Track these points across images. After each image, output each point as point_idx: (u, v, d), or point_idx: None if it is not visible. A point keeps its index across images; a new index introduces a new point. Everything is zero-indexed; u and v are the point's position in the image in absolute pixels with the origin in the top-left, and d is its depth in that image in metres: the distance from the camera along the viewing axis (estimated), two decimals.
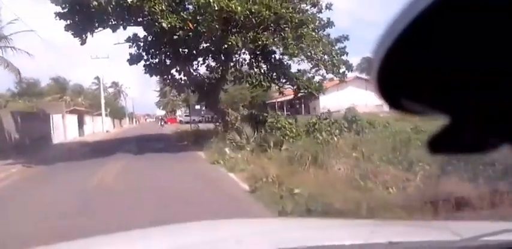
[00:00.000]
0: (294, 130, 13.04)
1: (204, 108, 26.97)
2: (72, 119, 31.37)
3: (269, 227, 1.90)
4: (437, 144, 0.49)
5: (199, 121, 56.95)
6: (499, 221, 2.60)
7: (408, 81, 0.43)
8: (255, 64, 14.63)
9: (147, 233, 1.80)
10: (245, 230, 1.70)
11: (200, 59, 18.52)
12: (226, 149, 11.70)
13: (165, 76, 20.08)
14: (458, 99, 0.43)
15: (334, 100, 35.23)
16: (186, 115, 59.17)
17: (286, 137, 12.65)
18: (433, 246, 1.28)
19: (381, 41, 0.40)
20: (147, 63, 19.14)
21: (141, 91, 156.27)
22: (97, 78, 75.37)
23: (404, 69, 0.42)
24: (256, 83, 13.91)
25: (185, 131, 25.96)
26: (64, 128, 27.77)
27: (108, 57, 38.23)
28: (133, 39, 18.59)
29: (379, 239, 1.29)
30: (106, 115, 42.17)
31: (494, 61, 0.39)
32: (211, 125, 25.27)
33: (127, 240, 1.66)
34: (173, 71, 19.70)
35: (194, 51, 17.77)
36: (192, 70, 18.34)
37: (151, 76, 19.84)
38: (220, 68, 17.49)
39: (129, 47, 18.84)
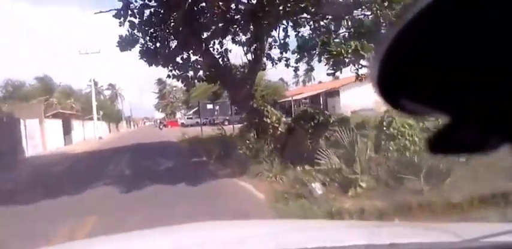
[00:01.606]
0: (417, 139, 6.71)
1: (217, 108, 20.49)
2: (56, 124, 24.86)
3: (269, 228, 1.75)
4: (438, 144, 0.47)
5: (204, 124, 50.77)
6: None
7: (408, 80, 0.42)
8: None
9: (147, 233, 1.67)
10: (245, 231, 1.60)
11: (214, 41, 12.32)
12: (316, 186, 5.29)
13: (170, 65, 13.85)
14: (458, 99, 0.42)
15: (355, 98, 29.21)
16: (188, 118, 52.87)
17: (407, 153, 6.38)
18: (434, 247, 1.22)
19: (383, 41, 0.39)
20: (144, 48, 13.02)
21: (139, 94, 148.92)
22: (93, 80, 69.66)
23: (405, 69, 0.41)
24: (346, 54, 7.31)
25: (195, 137, 19.52)
26: (42, 137, 21.30)
27: (99, 52, 31.67)
28: (125, 12, 12.32)
29: (379, 240, 1.24)
30: (99, 119, 35.57)
31: (494, 61, 0.38)
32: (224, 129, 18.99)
33: (127, 241, 1.57)
34: (179, 59, 13.71)
35: (218, 24, 11.52)
36: (213, 51, 12.04)
37: (150, 65, 13.63)
38: (255, 45, 11.20)
39: (119, 25, 12.64)
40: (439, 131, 0.45)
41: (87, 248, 1.58)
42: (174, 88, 79.63)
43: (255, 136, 11.97)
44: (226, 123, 39.14)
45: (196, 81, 14.28)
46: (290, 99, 39.89)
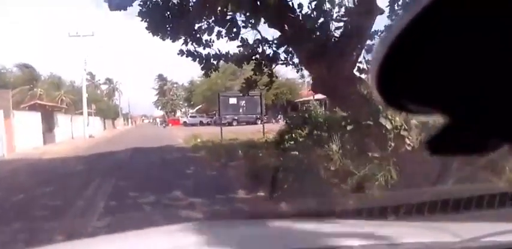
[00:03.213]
0: None
1: (243, 103, 14.79)
2: (32, 119, 19.02)
3: (269, 228, 1.65)
4: (437, 145, 0.46)
5: (208, 123, 44.84)
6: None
7: (409, 80, 0.41)
8: None
9: (147, 233, 1.60)
10: (245, 231, 1.56)
11: None
12: None
13: (185, 35, 8.34)
14: (458, 99, 0.40)
15: None
16: (191, 116, 47.28)
17: None
18: (434, 247, 1.16)
19: (383, 39, 0.39)
20: (147, 5, 7.39)
21: (138, 90, 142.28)
22: (90, 73, 63.40)
23: (405, 69, 0.39)
24: None
25: (214, 142, 13.85)
26: (8, 134, 15.47)
27: (93, 35, 25.79)
28: None
29: (379, 240, 1.22)
30: (91, 114, 29.67)
31: (494, 60, 0.37)
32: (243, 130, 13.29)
33: (126, 241, 1.50)
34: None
35: None
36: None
37: (155, 33, 8.11)
38: None
39: None
40: (439, 132, 0.44)
41: (88, 248, 1.47)
42: (175, 85, 74.03)
43: (341, 150, 6.40)
44: (234, 123, 33.44)
45: (222, 60, 8.81)
46: (311, 98, 34.11)
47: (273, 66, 9.27)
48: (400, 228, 1.59)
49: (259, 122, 35.69)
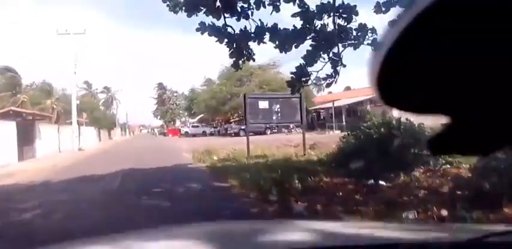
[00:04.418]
0: None
1: (277, 108, 10.84)
2: (4, 129, 14.96)
3: (266, 229, 1.56)
4: (439, 145, 0.46)
5: (212, 133, 40.71)
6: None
7: (409, 80, 0.39)
8: None
9: (146, 234, 1.53)
10: (245, 232, 1.49)
11: None
12: None
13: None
14: (458, 99, 0.40)
15: None
16: (193, 126, 43.35)
17: None
18: (433, 247, 1.06)
19: (384, 38, 0.37)
20: None
21: (137, 99, 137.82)
22: (86, 82, 59.36)
23: (406, 68, 0.38)
24: None
25: (239, 161, 9.81)
26: None
27: (85, 33, 21.87)
28: None
29: (379, 240, 1.15)
30: (82, 123, 25.52)
31: (494, 61, 0.36)
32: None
33: (125, 241, 1.39)
34: None
35: None
36: None
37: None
38: None
39: None
40: (441, 132, 0.43)
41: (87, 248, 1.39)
42: (175, 94, 69.92)
43: None
44: (241, 133, 29.17)
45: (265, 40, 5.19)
46: (329, 106, 30.11)
47: (341, 48, 5.92)
48: (399, 229, 1.55)
49: (268, 132, 31.94)
